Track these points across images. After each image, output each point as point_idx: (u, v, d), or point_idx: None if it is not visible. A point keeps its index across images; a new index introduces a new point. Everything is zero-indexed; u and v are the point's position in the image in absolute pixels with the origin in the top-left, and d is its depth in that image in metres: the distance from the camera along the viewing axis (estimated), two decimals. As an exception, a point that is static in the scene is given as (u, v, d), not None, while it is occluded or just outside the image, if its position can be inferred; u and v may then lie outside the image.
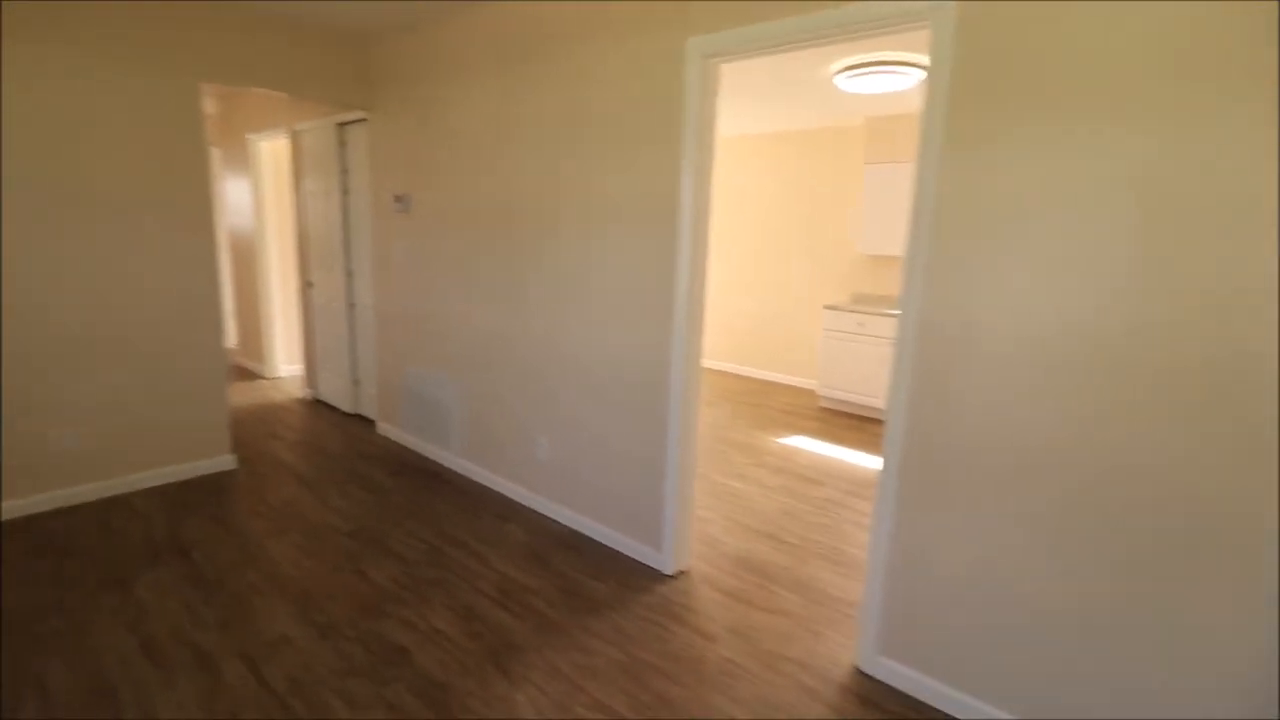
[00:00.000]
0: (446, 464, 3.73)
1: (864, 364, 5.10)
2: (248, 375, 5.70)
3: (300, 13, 3.29)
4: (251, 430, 4.25)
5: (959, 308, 1.78)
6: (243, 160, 5.43)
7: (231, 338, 6.49)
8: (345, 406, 4.63)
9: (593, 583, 2.57)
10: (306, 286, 4.84)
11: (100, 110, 2.92)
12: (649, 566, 2.70)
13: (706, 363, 6.86)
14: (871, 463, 4.05)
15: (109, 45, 2.90)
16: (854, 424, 4.95)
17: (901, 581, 1.99)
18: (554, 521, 3.09)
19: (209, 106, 5.91)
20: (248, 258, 5.62)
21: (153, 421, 3.25)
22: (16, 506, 2.90)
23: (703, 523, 3.11)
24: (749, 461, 3.98)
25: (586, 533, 2.96)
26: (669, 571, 2.64)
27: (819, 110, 5.06)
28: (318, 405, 4.87)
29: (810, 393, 5.84)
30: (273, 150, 5.31)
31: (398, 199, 3.76)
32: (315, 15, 3.32)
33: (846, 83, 3.73)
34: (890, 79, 3.58)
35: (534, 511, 3.19)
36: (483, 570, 2.63)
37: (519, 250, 3.08)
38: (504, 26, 2.98)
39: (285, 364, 5.63)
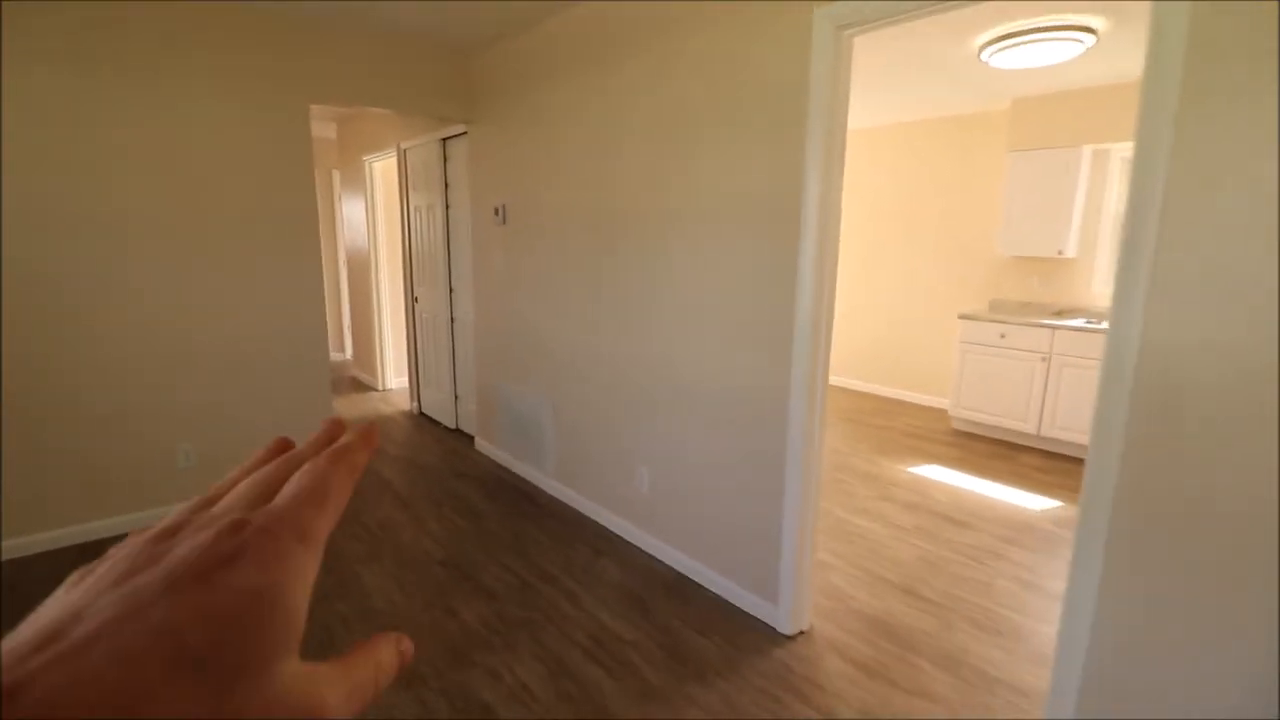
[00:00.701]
0: (541, 485, 3.55)
1: (1007, 382, 4.42)
2: (361, 388, 5.90)
3: (404, 28, 3.25)
4: (359, 444, 4.30)
5: (1200, 324, 1.30)
6: (360, 181, 5.63)
7: (349, 351, 6.79)
8: (447, 421, 4.61)
9: (698, 638, 2.25)
10: (413, 301, 4.89)
11: (215, 135, 2.99)
12: (764, 623, 2.33)
13: (845, 382, 6.34)
14: (1030, 502, 3.43)
15: (224, 73, 2.96)
16: (997, 451, 4.29)
17: (1108, 679, 1.51)
18: (654, 560, 2.79)
19: (328, 131, 6.22)
20: (364, 274, 5.81)
21: (260, 437, 3.29)
22: (126, 521, 3.01)
23: (824, 569, 2.70)
24: (874, 495, 3.50)
25: (691, 576, 2.64)
26: (787, 631, 2.27)
27: (956, 93, 4.47)
28: (422, 419, 4.89)
29: (941, 413, 5.19)
30: (385, 170, 5.46)
31: (496, 211, 3.65)
32: (417, 29, 3.27)
33: (998, 57, 3.19)
34: (1054, 48, 3.01)
35: (632, 546, 2.91)
36: (575, 614, 2.38)
37: (618, 262, 2.84)
38: (601, 25, 2.76)
39: (395, 377, 5.76)
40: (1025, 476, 3.82)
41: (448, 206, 4.30)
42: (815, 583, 2.57)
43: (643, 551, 2.86)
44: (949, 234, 5.28)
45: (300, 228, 3.28)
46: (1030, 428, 4.33)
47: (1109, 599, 1.49)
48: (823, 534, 3.01)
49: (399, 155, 4.82)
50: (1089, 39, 2.98)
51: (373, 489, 3.54)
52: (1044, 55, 3.10)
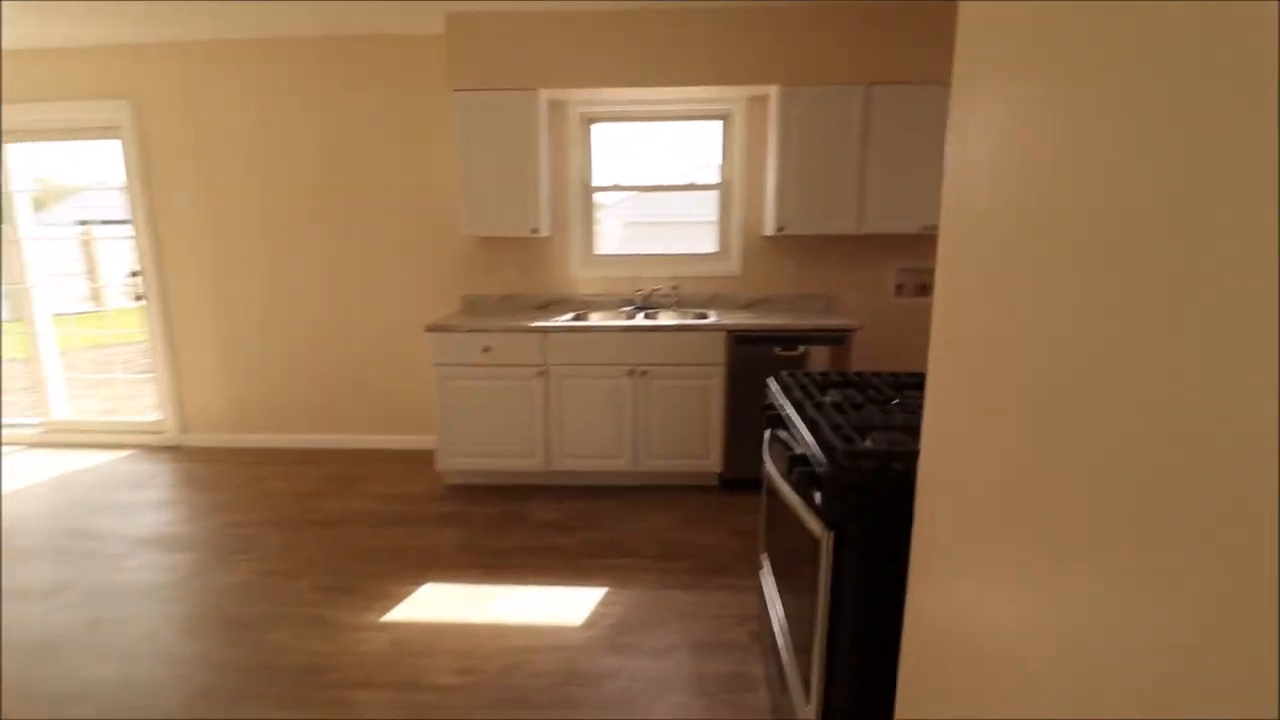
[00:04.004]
0: None
1: (501, 410, 3.28)
2: None
3: None
4: None
5: None
6: None
7: None
8: None
9: None
10: None
11: None
12: None
13: (271, 440, 4.11)
14: (569, 607, 2.29)
15: None
16: (506, 511, 3.13)
17: None
18: None
19: None
20: None
21: None
22: None
23: None
24: (323, 727, 1.78)
25: None
26: None
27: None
28: None
29: (431, 456, 3.78)
30: None
31: None
32: None
33: None
34: None
35: None
36: None
37: None
38: None
39: None
40: (549, 550, 2.73)
41: None
42: None
43: None
44: (399, 211, 3.79)
45: None
46: (538, 464, 3.32)
47: None
48: None
49: None
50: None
51: None
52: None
